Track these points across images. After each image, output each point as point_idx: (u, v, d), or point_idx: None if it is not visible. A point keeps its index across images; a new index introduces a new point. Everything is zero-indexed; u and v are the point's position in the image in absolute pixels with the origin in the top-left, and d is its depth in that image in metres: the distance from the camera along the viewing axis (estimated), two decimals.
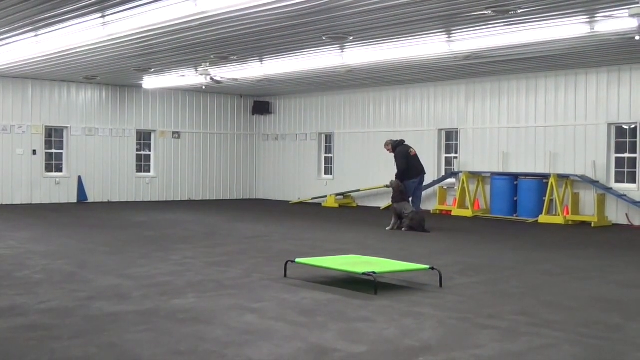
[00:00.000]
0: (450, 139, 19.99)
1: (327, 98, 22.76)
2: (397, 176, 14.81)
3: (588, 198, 16.76)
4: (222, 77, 17.00)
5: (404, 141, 15.50)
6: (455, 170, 19.21)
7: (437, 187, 19.36)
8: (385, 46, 13.94)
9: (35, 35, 13.10)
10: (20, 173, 20.34)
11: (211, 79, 16.81)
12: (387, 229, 14.40)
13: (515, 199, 17.58)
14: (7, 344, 5.40)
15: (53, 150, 21.16)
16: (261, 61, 16.25)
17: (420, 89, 20.19)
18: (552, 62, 15.74)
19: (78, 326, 5.96)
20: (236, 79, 17.65)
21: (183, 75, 17.58)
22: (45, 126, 20.80)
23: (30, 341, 5.46)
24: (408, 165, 14.90)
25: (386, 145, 15.57)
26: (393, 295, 7.42)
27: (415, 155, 15.16)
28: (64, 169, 21.24)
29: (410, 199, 14.77)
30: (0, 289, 7.58)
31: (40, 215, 16.85)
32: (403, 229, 14.19)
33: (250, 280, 8.27)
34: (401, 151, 15.10)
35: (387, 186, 15.11)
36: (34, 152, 20.56)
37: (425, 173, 15.32)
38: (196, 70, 17.23)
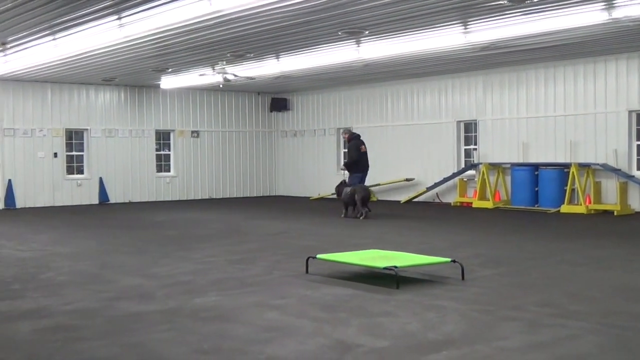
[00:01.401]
0: (469, 131, 19.90)
1: (344, 93, 22.73)
2: (346, 165, 16.39)
3: (610, 186, 16.62)
4: (235, 76, 17.04)
5: (359, 135, 16.74)
6: (475, 161, 19.13)
7: (457, 179, 19.30)
8: (401, 39, 13.90)
9: (53, 39, 13.19)
10: (42, 176, 20.52)
11: (224, 78, 16.91)
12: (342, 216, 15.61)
13: (536, 189, 17.48)
14: (33, 345, 5.46)
15: (74, 153, 21.32)
16: (278, 58, 16.25)
17: (438, 81, 20.11)
18: (570, 50, 15.61)
19: (102, 326, 6.01)
20: (252, 77, 17.66)
21: (203, 74, 17.57)
22: (66, 129, 20.95)
23: (56, 342, 5.51)
24: (358, 158, 16.15)
25: (345, 133, 17.03)
26: (415, 289, 7.41)
27: (365, 152, 16.37)
28: (85, 171, 21.39)
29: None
30: (26, 291, 7.66)
31: (62, 217, 16.99)
32: (360, 216, 15.31)
33: (271, 277, 8.29)
34: (356, 144, 16.32)
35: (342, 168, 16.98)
36: (55, 154, 20.72)
37: (369, 169, 16.47)
38: (213, 69, 17.28)
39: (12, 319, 6.33)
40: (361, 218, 15.20)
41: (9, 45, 13.83)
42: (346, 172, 16.55)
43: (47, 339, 5.64)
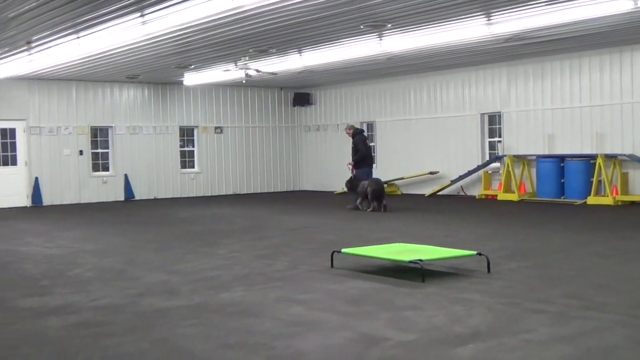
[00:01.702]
0: (493, 123, 19.77)
1: (367, 87, 22.68)
2: (355, 161, 16.58)
3: (637, 177, 16.43)
4: (258, 71, 17.06)
5: (363, 130, 17.49)
6: (500, 154, 19.00)
7: (481, 172, 19.19)
8: (424, 32, 13.82)
9: (77, 38, 13.28)
10: (68, 173, 20.70)
11: (246, 73, 16.94)
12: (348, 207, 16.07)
13: (562, 181, 17.33)
14: (61, 341, 5.52)
15: (99, 150, 21.49)
16: (300, 53, 16.25)
17: (461, 74, 19.99)
18: (595, 40, 15.43)
19: (129, 322, 6.06)
20: (275, 73, 17.65)
21: (228, 70, 17.56)
22: (91, 126, 21.11)
23: (84, 338, 5.56)
24: (367, 153, 16.76)
25: (348, 129, 17.17)
26: (440, 282, 7.38)
27: (369, 147, 17.13)
28: (110, 168, 21.55)
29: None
30: (54, 287, 7.74)
31: (89, 214, 17.14)
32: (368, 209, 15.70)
33: (297, 272, 8.30)
34: (361, 139, 16.78)
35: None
36: (81, 152, 20.90)
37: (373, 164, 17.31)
38: (236, 65, 17.31)
39: (41, 315, 6.40)
40: (368, 210, 15.57)
41: (33, 45, 13.96)
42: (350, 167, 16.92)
43: (75, 334, 5.70)
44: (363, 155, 16.54)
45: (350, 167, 16.95)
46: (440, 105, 20.71)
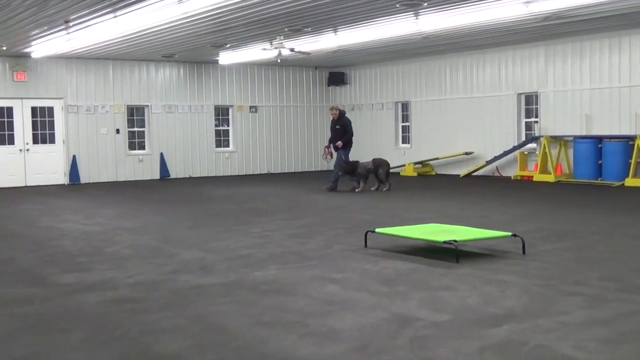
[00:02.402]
0: (530, 103, 19.53)
1: (402, 66, 22.53)
2: (344, 142, 16.24)
3: None
4: (292, 50, 17.01)
5: (345, 112, 17.11)
6: (536, 134, 18.78)
7: (517, 152, 19.00)
8: (460, 10, 13.66)
9: (114, 17, 13.38)
10: (105, 152, 20.94)
11: (279, 52, 16.90)
12: (357, 190, 15.80)
13: (599, 162, 17.09)
14: (100, 316, 5.61)
15: (135, 129, 21.68)
16: (335, 32, 16.18)
17: (498, 53, 19.76)
18: (635, 18, 15.12)
19: (166, 299, 6.14)
20: (307, 53, 17.57)
21: (266, 49, 17.50)
22: (127, 105, 21.30)
23: (121, 314, 5.66)
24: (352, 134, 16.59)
25: (334, 109, 16.78)
26: (475, 263, 7.36)
27: None
28: (146, 147, 21.74)
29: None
30: (92, 264, 7.87)
31: (125, 192, 17.34)
32: (384, 188, 15.84)
33: (330, 251, 8.33)
34: (349, 121, 16.65)
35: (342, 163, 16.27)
36: (117, 131, 21.11)
37: None
38: (271, 44, 17.30)
39: (79, 291, 6.52)
40: (384, 190, 15.77)
41: (71, 24, 14.09)
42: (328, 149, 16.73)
43: (112, 310, 5.79)
44: (350, 138, 16.41)
45: (338, 149, 16.41)
46: (476, 85, 20.51)
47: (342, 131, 16.35)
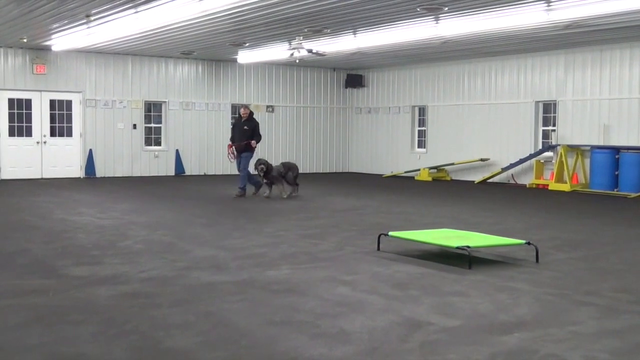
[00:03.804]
0: (547, 111, 19.44)
1: (420, 70, 22.49)
2: (257, 142, 15.44)
3: None
4: (310, 51, 16.99)
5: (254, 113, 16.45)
6: (553, 143, 18.69)
7: (533, 160, 18.91)
8: (481, 16, 13.63)
9: (135, 12, 13.44)
10: (121, 147, 21.04)
11: (309, 51, 16.82)
12: (265, 195, 14.98)
13: (616, 173, 16.97)
14: (111, 310, 5.63)
15: (152, 125, 21.77)
16: (355, 34, 16.18)
17: (517, 60, 19.68)
18: None
19: (177, 295, 6.16)
20: (322, 54, 17.50)
21: (295, 48, 17.33)
22: (145, 101, 21.39)
23: (133, 308, 5.67)
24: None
25: (245, 108, 15.75)
26: (488, 270, 7.33)
27: None
28: (162, 143, 21.83)
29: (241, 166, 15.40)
30: (105, 257, 7.90)
31: (140, 188, 17.41)
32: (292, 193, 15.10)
33: (343, 253, 8.32)
34: (258, 123, 15.77)
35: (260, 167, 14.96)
36: (134, 126, 21.20)
37: None
38: (290, 44, 17.32)
39: (91, 283, 6.54)
40: (294, 195, 15.13)
41: (92, 18, 14.17)
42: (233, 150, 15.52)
43: (124, 304, 5.81)
44: (260, 140, 15.60)
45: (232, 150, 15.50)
46: (494, 92, 20.44)
47: (250, 132, 15.28)
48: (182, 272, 7.09)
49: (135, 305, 5.77)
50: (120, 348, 4.65)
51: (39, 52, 19.59)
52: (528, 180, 19.06)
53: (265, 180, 14.98)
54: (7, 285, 6.46)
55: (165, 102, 21.72)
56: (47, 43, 18.27)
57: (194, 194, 15.91)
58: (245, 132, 15.29)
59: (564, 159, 17.82)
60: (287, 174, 15.14)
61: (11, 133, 19.66)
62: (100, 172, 20.71)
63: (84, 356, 4.49)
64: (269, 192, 14.99)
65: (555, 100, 18.92)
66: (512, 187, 18.75)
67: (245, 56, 20.60)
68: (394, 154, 23.37)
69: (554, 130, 18.96)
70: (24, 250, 8.39)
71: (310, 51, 16.89)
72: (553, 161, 18.47)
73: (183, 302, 5.88)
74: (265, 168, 14.77)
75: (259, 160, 14.95)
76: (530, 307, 5.81)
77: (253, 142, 15.27)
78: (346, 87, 24.72)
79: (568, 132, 18.50)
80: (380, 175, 22.87)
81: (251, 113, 15.65)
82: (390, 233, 8.58)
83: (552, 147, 18.58)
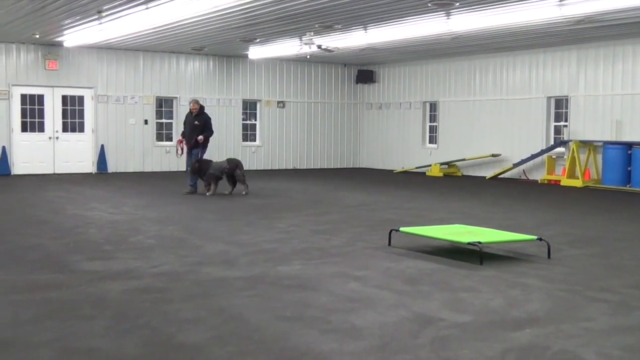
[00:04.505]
0: (559, 107, 19.35)
1: (432, 66, 22.43)
2: (206, 137, 14.83)
3: None
4: (319, 47, 16.96)
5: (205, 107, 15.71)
6: (565, 139, 18.61)
7: (545, 156, 18.84)
8: (492, 11, 13.57)
9: (146, 8, 13.47)
10: (133, 142, 21.10)
11: (318, 46, 16.78)
12: (208, 194, 14.39)
13: (628, 168, 16.88)
14: (123, 305, 5.65)
15: (163, 120, 21.82)
16: (365, 29, 16.15)
17: (529, 56, 19.60)
18: None
19: (188, 290, 6.17)
20: (331, 50, 17.47)
21: (309, 42, 17.25)
22: (156, 96, 21.43)
23: (144, 303, 5.69)
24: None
25: (195, 103, 15.13)
26: (499, 266, 7.31)
27: None
28: (173, 138, 21.84)
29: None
30: (116, 252, 7.93)
31: (151, 183, 17.45)
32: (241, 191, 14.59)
33: (354, 249, 8.32)
34: (209, 117, 15.19)
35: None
36: (146, 122, 21.26)
37: None
38: (300, 40, 17.31)
39: (103, 278, 6.57)
40: (244, 193, 14.59)
41: (104, 14, 14.20)
42: (182, 146, 15.11)
43: (135, 299, 5.83)
44: (211, 135, 15.08)
45: (199, 144, 14.87)
46: (505, 87, 20.36)
47: (201, 127, 14.79)
48: (193, 268, 7.10)
49: (147, 300, 5.79)
50: (133, 343, 4.67)
51: (51, 48, 19.66)
52: (540, 176, 18.99)
53: (203, 178, 14.48)
54: (20, 280, 6.50)
55: (176, 97, 21.75)
56: (59, 39, 18.34)
57: (205, 190, 15.90)
58: (196, 128, 14.75)
59: (576, 154, 17.74)
60: (235, 172, 14.55)
61: (24, 129, 19.76)
62: (112, 167, 20.78)
63: (97, 351, 4.51)
64: (211, 189, 14.38)
65: (567, 96, 18.83)
66: (523, 183, 18.69)
67: (256, 52, 20.60)
68: (405, 149, 23.34)
69: (565, 126, 18.88)
70: (36, 245, 8.43)
71: (319, 47, 16.88)
72: (565, 157, 18.40)
73: (194, 298, 5.89)
74: (199, 167, 14.31)
75: (192, 160, 14.52)
76: (543, 303, 5.79)
77: (200, 137, 14.66)
78: (357, 83, 24.69)
79: (580, 127, 18.42)
80: (391, 171, 22.84)
81: (202, 107, 15.07)
82: (402, 229, 8.56)
83: (564, 143, 18.51)
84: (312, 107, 23.99)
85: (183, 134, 15.13)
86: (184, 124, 15.28)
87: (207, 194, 14.35)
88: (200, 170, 14.44)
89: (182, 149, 15.10)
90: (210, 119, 15.16)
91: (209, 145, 15.18)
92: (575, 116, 18.61)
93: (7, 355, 4.45)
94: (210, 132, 15.03)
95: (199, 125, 14.76)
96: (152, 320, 5.18)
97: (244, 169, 15.10)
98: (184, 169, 15.40)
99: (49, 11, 14.09)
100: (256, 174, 21.18)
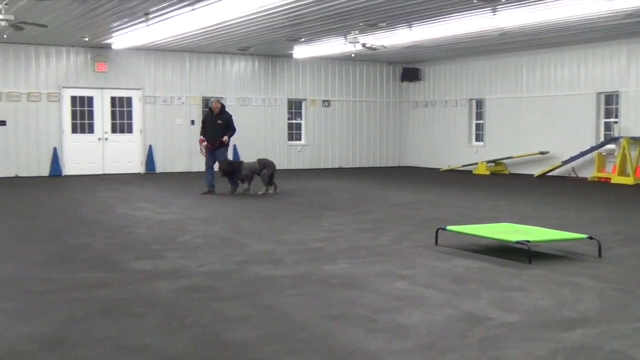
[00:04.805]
0: (609, 103, 19.00)
1: (477, 63, 22.22)
2: (231, 135, 14.72)
3: None
4: (364, 46, 16.91)
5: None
6: (615, 135, 18.26)
7: (595, 153, 18.51)
8: (539, 7, 13.39)
9: (192, 10, 13.60)
10: (180, 142, 21.33)
11: (364, 45, 16.74)
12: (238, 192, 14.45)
13: None
14: (172, 303, 5.73)
15: None
16: (410, 27, 16.07)
17: (577, 51, 19.28)
18: None
19: (235, 288, 6.22)
20: (374, 49, 17.41)
21: (355, 40, 17.18)
22: (202, 97, 21.63)
23: (193, 301, 5.76)
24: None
25: (217, 102, 14.85)
26: (548, 265, 7.21)
27: None
28: None
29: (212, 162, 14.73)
30: (165, 251, 8.04)
31: (198, 182, 17.58)
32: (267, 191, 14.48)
33: (400, 247, 8.29)
34: (231, 115, 14.91)
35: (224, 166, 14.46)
36: (192, 122, 21.46)
37: None
38: (345, 39, 17.30)
39: (153, 277, 6.66)
40: (271, 192, 14.53)
41: (151, 16, 14.39)
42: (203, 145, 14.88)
43: (184, 297, 5.90)
44: (233, 133, 14.90)
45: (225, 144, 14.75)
46: (553, 84, 20.07)
47: (224, 126, 14.58)
48: (240, 266, 7.16)
49: (196, 298, 5.86)
50: (182, 341, 4.73)
51: (99, 50, 20.00)
52: (589, 173, 18.67)
53: (233, 179, 14.49)
54: (72, 279, 6.63)
55: (222, 97, 21.90)
56: (108, 41, 18.64)
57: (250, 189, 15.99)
58: (219, 127, 14.57)
59: (626, 151, 17.40)
60: (262, 172, 14.48)
61: (74, 130, 20.13)
62: (160, 167, 21.04)
63: (147, 348, 4.58)
64: (244, 189, 14.45)
65: (618, 91, 18.48)
66: (572, 181, 18.40)
67: (301, 51, 20.66)
68: (451, 147, 23.17)
69: (616, 122, 18.53)
70: (86, 244, 8.59)
71: (364, 45, 16.85)
72: (615, 154, 18.06)
73: (242, 296, 5.94)
74: (231, 169, 14.30)
75: (223, 161, 14.44)
76: (593, 303, 5.70)
77: (225, 137, 14.54)
78: (402, 81, 24.58)
79: (631, 123, 18.05)
80: (437, 169, 22.69)
81: (223, 106, 14.89)
82: (448, 227, 8.51)
83: (614, 140, 18.16)
84: (357, 105, 23.96)
85: (203, 134, 14.86)
86: (204, 123, 15.01)
87: (240, 193, 14.39)
88: (232, 172, 14.41)
89: (207, 149, 14.77)
90: (231, 116, 14.94)
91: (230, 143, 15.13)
92: (625, 112, 18.25)
93: (62, 351, 4.54)
94: (233, 131, 14.87)
95: (221, 125, 14.59)
96: (200, 319, 5.24)
97: (275, 169, 14.95)
98: (204, 169, 15.30)
99: (97, 14, 14.34)
100: (301, 173, 21.26)
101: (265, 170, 14.54)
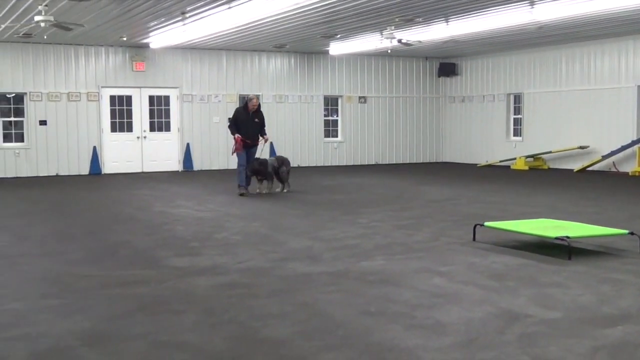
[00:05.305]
0: None
1: (515, 57, 21.99)
2: (264, 133, 14.20)
3: None
4: (399, 42, 16.82)
5: None
6: None
7: (636, 147, 18.21)
8: None
9: (229, 8, 13.67)
10: (217, 140, 21.46)
11: (399, 41, 16.67)
12: (264, 192, 14.10)
13: None
14: (210, 300, 5.77)
15: None
16: (447, 22, 15.96)
17: (617, 43, 18.97)
18: None
19: (273, 285, 6.25)
20: (409, 44, 17.31)
21: (390, 36, 17.05)
22: (239, 95, 21.74)
23: (231, 298, 5.80)
24: None
25: (257, 99, 14.24)
26: (588, 261, 7.12)
27: None
28: None
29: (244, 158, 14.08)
30: (203, 249, 8.10)
31: (235, 180, 17.67)
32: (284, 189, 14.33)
33: (438, 244, 8.25)
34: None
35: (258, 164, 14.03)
36: (229, 120, 21.54)
37: None
38: (381, 34, 17.25)
39: (191, 274, 6.72)
40: (286, 191, 14.24)
41: (187, 15, 14.50)
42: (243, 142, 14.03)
43: (222, 294, 5.95)
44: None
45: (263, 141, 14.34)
46: (593, 77, 19.78)
47: (261, 125, 14.14)
48: (278, 263, 7.19)
49: (234, 295, 5.90)
50: (220, 337, 4.77)
51: (137, 49, 20.21)
52: (630, 168, 18.37)
53: (259, 177, 14.17)
54: (112, 276, 6.72)
55: (259, 95, 21.99)
56: (145, 41, 18.83)
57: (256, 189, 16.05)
58: (256, 125, 14.07)
59: None
60: (281, 169, 14.27)
61: (113, 129, 20.38)
62: (197, 165, 21.21)
63: (186, 344, 4.63)
64: (266, 187, 14.15)
65: None
66: (613, 175, 18.12)
67: (336, 48, 20.65)
68: (488, 142, 22.97)
69: None
70: (126, 241, 8.70)
71: (400, 41, 16.77)
72: None
73: (279, 293, 5.96)
74: (262, 169, 13.97)
75: (255, 160, 13.98)
76: (635, 299, 5.61)
77: (267, 136, 14.31)
78: (439, 76, 24.42)
79: None
80: (475, 165, 22.52)
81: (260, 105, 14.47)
82: (486, 223, 8.44)
83: None
84: (393, 101, 23.88)
85: (239, 132, 13.90)
86: (238, 121, 14.08)
87: (264, 192, 14.09)
88: (260, 171, 14.07)
89: (242, 148, 13.92)
90: (264, 117, 14.44)
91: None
92: None
93: (104, 346, 4.61)
94: (264, 129, 14.40)
95: (258, 123, 14.13)
96: (238, 315, 5.27)
97: (291, 165, 14.81)
98: (235, 168, 14.92)
99: (135, 14, 14.49)
100: (338, 169, 21.27)
101: (284, 167, 14.41)
